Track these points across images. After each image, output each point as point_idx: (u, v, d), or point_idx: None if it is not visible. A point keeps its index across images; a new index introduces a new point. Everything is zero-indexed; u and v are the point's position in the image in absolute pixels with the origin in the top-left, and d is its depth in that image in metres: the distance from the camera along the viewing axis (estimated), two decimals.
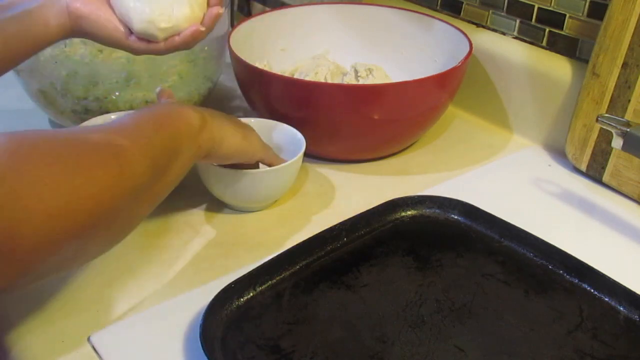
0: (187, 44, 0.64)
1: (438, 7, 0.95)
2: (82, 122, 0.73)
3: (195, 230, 0.68)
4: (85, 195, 0.44)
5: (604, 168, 0.75)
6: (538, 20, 0.84)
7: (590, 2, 0.77)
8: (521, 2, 0.84)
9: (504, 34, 0.88)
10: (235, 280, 0.56)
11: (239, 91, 0.85)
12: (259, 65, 0.82)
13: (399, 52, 0.92)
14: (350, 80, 0.87)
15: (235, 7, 1.24)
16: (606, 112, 0.73)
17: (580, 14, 0.79)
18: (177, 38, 0.63)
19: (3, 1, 0.62)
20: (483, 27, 0.90)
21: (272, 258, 0.59)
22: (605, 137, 0.73)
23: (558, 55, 0.82)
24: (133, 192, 0.49)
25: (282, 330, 0.54)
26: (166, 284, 0.60)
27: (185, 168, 0.56)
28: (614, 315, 0.56)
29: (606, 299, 0.58)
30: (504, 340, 0.54)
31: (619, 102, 0.72)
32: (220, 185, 0.68)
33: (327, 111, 0.74)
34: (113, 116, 0.75)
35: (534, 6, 0.83)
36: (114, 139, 0.48)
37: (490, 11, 0.89)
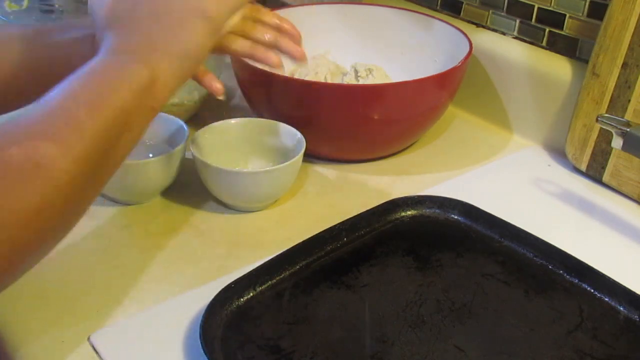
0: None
1: (438, 7, 0.95)
2: None
3: (195, 230, 0.68)
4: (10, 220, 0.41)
5: (604, 168, 0.75)
6: (538, 20, 0.84)
7: (590, 2, 0.77)
8: (521, 2, 0.84)
9: (504, 34, 0.88)
10: (235, 280, 0.56)
11: (239, 91, 0.85)
12: (258, 65, 0.82)
13: (399, 52, 0.92)
14: (350, 80, 0.87)
15: None
16: (606, 112, 0.73)
17: (580, 14, 0.79)
18: None
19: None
20: (483, 27, 0.90)
21: (272, 258, 0.59)
22: (605, 137, 0.73)
23: (558, 55, 0.82)
24: (70, 197, 0.44)
25: (282, 330, 0.54)
26: (166, 284, 0.60)
27: (139, 137, 0.49)
28: (614, 315, 0.56)
29: (606, 299, 0.58)
30: (504, 340, 0.54)
31: (619, 102, 0.72)
32: (220, 185, 0.68)
33: (327, 111, 0.74)
34: None
35: (534, 6, 0.83)
36: (36, 150, 0.42)
37: (490, 11, 0.89)
